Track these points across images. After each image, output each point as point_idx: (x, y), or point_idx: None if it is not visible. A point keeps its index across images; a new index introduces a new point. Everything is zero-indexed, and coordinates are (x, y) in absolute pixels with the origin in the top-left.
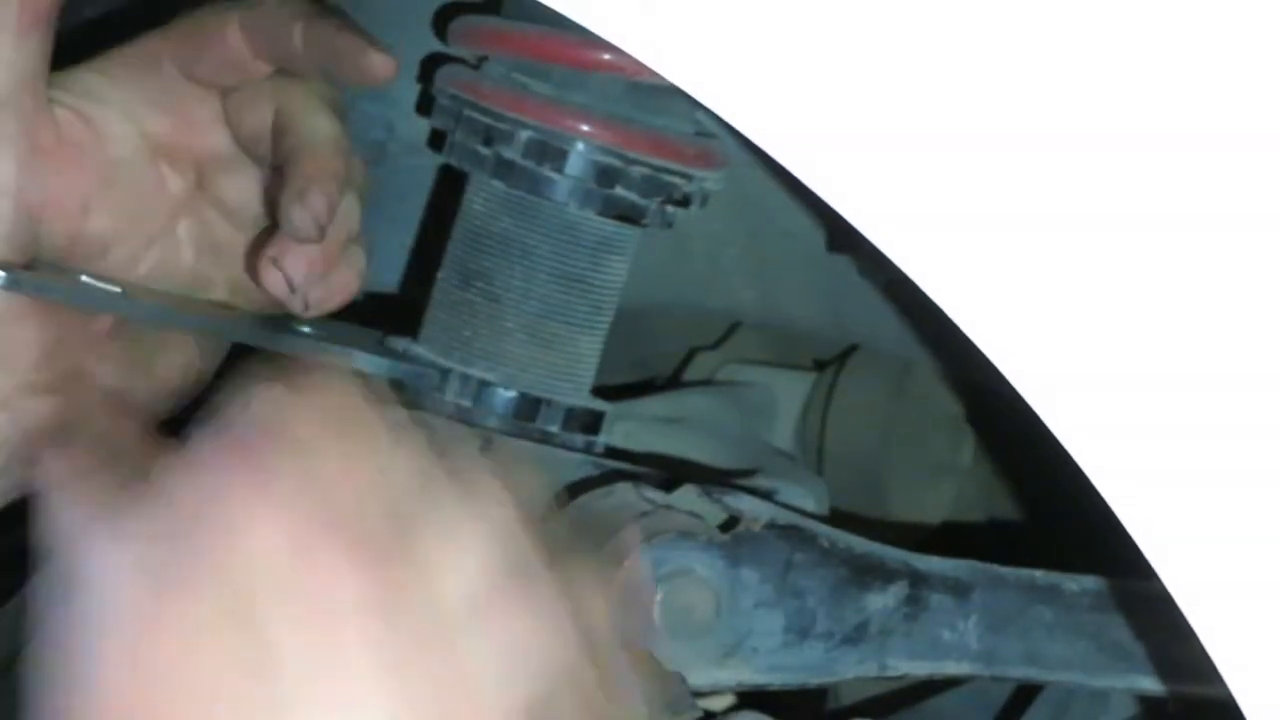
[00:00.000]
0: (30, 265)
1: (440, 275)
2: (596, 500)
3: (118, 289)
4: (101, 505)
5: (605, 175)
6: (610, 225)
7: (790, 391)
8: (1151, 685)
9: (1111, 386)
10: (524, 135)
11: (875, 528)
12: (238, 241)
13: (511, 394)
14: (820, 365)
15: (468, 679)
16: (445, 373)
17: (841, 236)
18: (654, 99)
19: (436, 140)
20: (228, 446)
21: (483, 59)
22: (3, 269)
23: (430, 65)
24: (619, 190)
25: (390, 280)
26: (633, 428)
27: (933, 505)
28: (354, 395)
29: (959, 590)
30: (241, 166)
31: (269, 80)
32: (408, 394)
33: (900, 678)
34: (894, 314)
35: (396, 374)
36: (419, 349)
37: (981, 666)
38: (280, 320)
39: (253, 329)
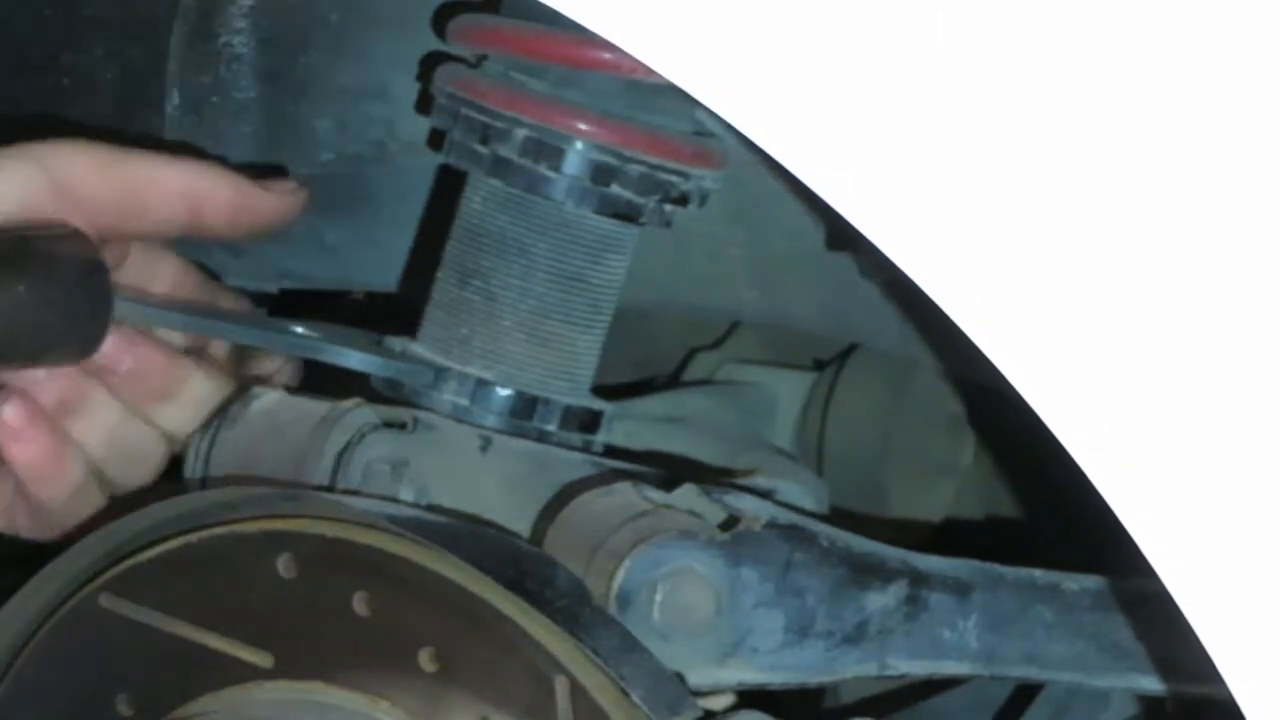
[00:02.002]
0: None
1: (439, 274)
2: (596, 500)
3: None
4: None
5: (602, 173)
6: (607, 223)
7: (790, 391)
8: (1151, 685)
9: (1111, 386)
10: (521, 133)
11: (875, 528)
12: None
13: (508, 392)
14: (820, 365)
15: None
16: (443, 371)
17: (841, 235)
18: (651, 97)
19: (436, 139)
20: None
21: (481, 58)
22: None
23: (430, 64)
24: (616, 189)
25: (390, 280)
26: (633, 427)
27: (933, 505)
28: None
29: (959, 590)
30: None
31: None
32: (404, 392)
33: (900, 677)
34: (894, 314)
35: (390, 372)
36: (417, 348)
37: (981, 666)
38: (274, 321)
39: (246, 329)
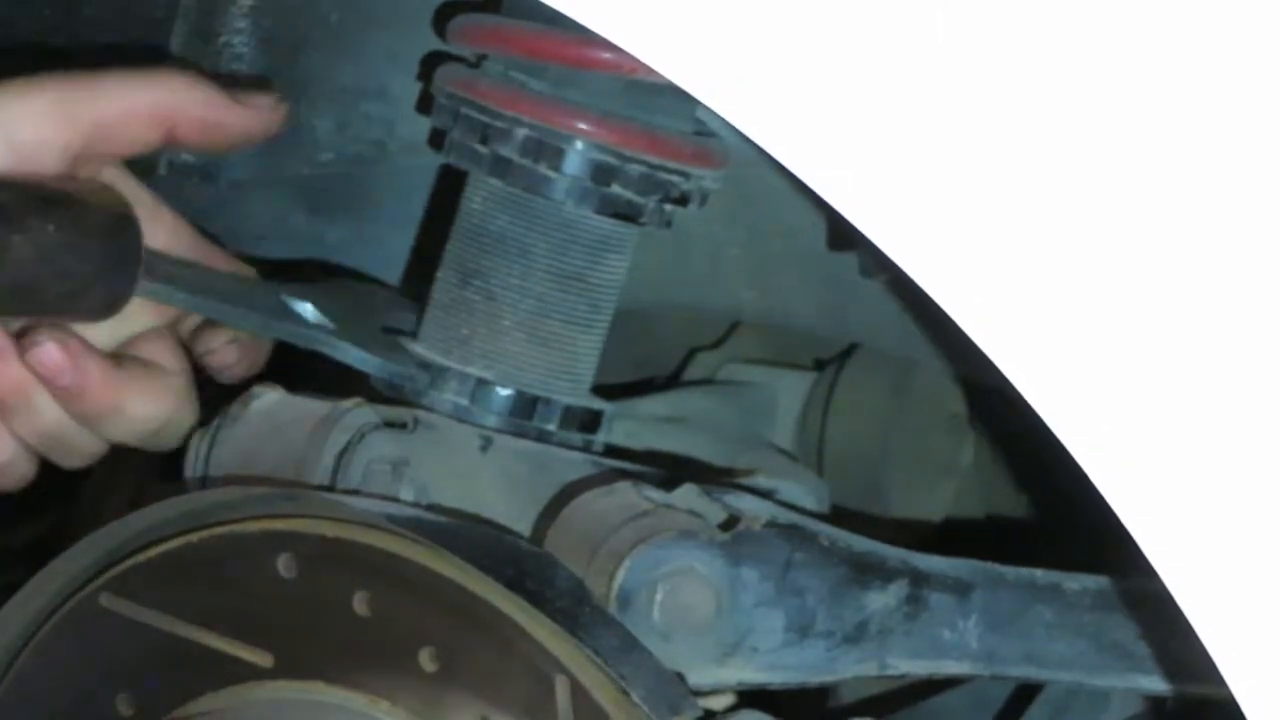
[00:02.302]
0: None
1: (439, 274)
2: (596, 499)
3: None
4: None
5: (602, 173)
6: (607, 223)
7: (790, 391)
8: (1151, 684)
9: (1112, 386)
10: (521, 133)
11: (875, 527)
12: None
13: (509, 392)
14: (820, 365)
15: None
16: (443, 371)
17: (842, 235)
18: (651, 97)
19: (436, 139)
20: None
21: (482, 57)
22: None
23: (430, 64)
24: (616, 188)
25: (390, 280)
26: (633, 426)
27: (933, 505)
28: None
29: (959, 589)
30: None
31: None
32: (404, 391)
33: (900, 677)
34: (894, 313)
35: (392, 374)
36: (417, 347)
37: (981, 666)
38: (287, 308)
39: (256, 316)
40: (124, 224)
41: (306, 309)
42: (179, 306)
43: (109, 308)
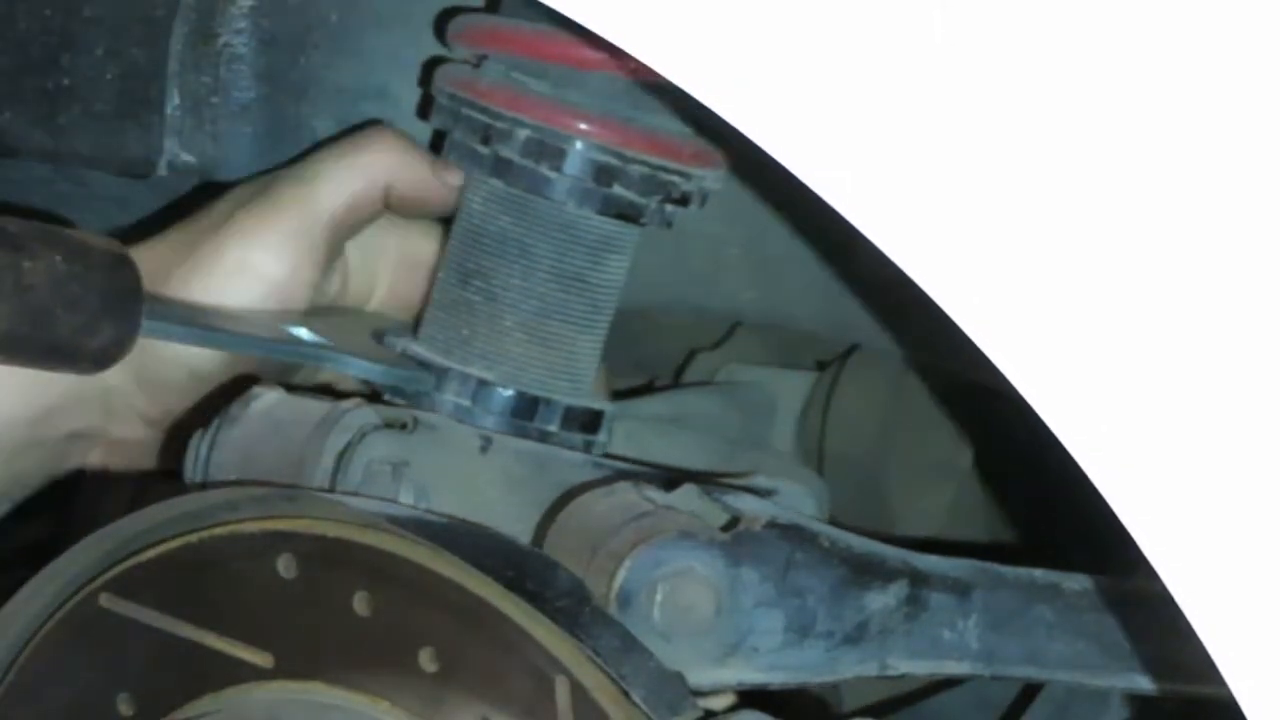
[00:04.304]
0: None
1: (440, 274)
2: (597, 500)
3: None
4: None
5: (603, 174)
6: (608, 224)
7: (790, 391)
8: (1151, 685)
9: (1111, 386)
10: (522, 134)
11: (875, 528)
12: None
13: (509, 393)
14: (820, 365)
15: None
16: (444, 371)
17: (843, 237)
18: (652, 97)
19: (436, 140)
20: None
21: (482, 58)
22: None
23: (432, 68)
24: (617, 189)
25: None
26: (633, 427)
27: (933, 505)
28: None
29: (959, 590)
30: None
31: None
32: (405, 392)
33: (900, 677)
34: (894, 314)
35: (395, 379)
36: (418, 348)
37: (982, 666)
38: (281, 329)
39: (254, 340)
40: (123, 262)
41: (302, 332)
42: (180, 342)
43: (117, 345)
